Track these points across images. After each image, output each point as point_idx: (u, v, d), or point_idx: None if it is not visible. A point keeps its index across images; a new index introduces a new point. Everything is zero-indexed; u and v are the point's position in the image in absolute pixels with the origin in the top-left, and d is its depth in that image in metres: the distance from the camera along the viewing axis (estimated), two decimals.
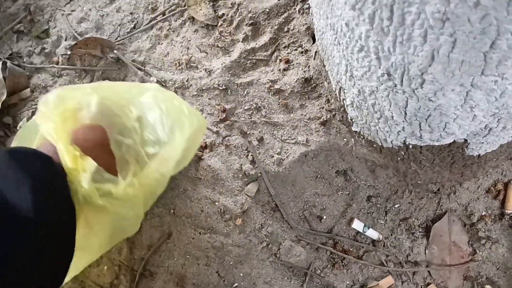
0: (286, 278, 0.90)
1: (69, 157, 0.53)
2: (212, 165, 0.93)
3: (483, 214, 0.92)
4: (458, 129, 0.63)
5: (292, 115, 0.94)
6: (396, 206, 0.94)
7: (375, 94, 0.65)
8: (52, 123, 0.54)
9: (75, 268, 0.67)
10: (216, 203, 0.91)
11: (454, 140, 0.69)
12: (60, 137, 0.53)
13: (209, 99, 0.98)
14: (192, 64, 1.02)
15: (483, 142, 0.69)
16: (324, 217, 0.93)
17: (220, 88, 0.97)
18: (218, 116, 0.96)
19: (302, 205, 0.93)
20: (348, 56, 0.65)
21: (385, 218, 0.94)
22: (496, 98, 0.53)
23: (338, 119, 0.90)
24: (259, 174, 0.92)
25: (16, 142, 0.66)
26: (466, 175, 0.87)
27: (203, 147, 0.94)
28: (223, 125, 0.95)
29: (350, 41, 0.60)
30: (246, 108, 0.96)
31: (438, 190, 0.93)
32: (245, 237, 0.90)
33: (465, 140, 0.69)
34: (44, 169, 0.52)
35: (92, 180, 0.54)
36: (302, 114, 0.93)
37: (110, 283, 0.90)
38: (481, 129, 0.63)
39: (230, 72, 0.98)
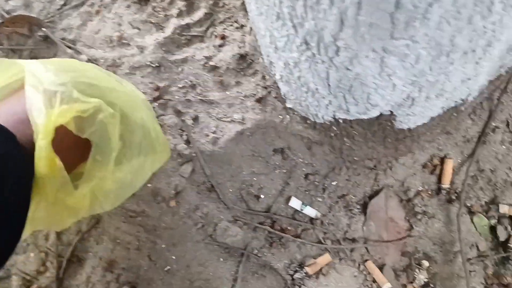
0: (221, 259, 0.88)
1: (45, 163, 0.49)
2: None
3: (419, 189, 0.92)
4: (381, 99, 0.62)
5: (227, 92, 0.91)
6: (334, 183, 0.93)
7: (298, 66, 0.63)
8: (46, 116, 0.49)
9: None
10: (149, 185, 0.88)
11: (381, 113, 0.68)
12: (44, 133, 0.48)
13: (142, 77, 0.93)
14: (124, 41, 0.97)
15: (409, 114, 0.68)
16: (262, 196, 0.91)
17: (153, 65, 0.92)
18: (151, 95, 0.91)
19: (239, 184, 0.91)
20: (269, 27, 0.62)
21: (323, 195, 0.93)
22: (411, 64, 0.51)
23: (273, 95, 0.88)
24: (194, 154, 0.89)
25: None
26: (401, 150, 0.87)
27: None
28: (156, 104, 0.91)
29: (268, 9, 0.58)
30: (180, 86, 0.92)
31: (375, 166, 0.92)
32: (179, 219, 0.87)
33: (391, 112, 0.67)
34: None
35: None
36: (238, 92, 0.90)
37: (36, 270, 0.85)
38: (404, 99, 0.62)
39: (164, 48, 0.93)
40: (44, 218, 0.56)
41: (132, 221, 0.85)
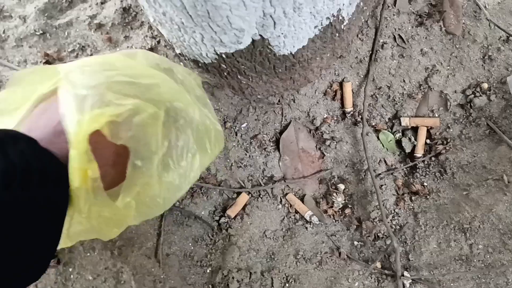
0: None
1: (77, 174, 0.43)
2: None
3: (325, 117, 0.94)
4: (241, 21, 0.61)
5: (118, 49, 0.89)
6: (244, 125, 0.94)
7: (158, 1, 0.62)
8: (78, 124, 0.43)
9: None
10: None
11: (253, 39, 0.68)
12: (78, 142, 0.42)
13: (30, 47, 0.90)
14: (5, 14, 0.92)
15: (279, 36, 0.68)
16: None
17: (38, 33, 0.89)
18: (42, 64, 0.89)
19: None
20: None
21: (236, 139, 0.94)
22: None
23: (163, 44, 0.86)
24: None
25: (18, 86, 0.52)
26: (298, 80, 0.87)
27: None
28: None
29: None
30: (70, 50, 0.89)
31: (279, 101, 0.93)
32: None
33: (262, 37, 0.67)
34: (32, 154, 0.41)
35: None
36: (128, 47, 0.88)
37: None
38: (262, 18, 0.61)
39: (46, 14, 0.90)
40: (82, 231, 0.50)
41: None
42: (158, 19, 0.70)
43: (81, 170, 0.43)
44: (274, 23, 0.63)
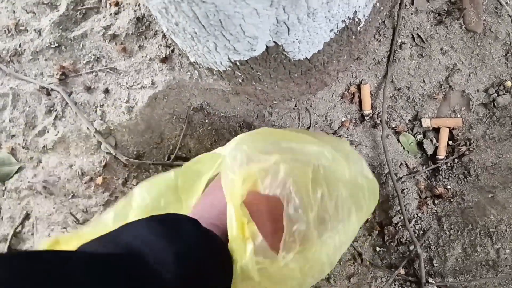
0: None
1: (237, 224, 0.45)
2: (61, 130, 0.87)
3: (343, 120, 0.92)
4: (255, 29, 0.60)
5: (133, 59, 0.88)
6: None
7: (169, 11, 0.61)
8: (231, 182, 0.47)
9: None
10: (73, 167, 0.86)
11: (267, 46, 0.67)
12: (234, 198, 0.45)
13: (46, 60, 0.90)
14: (21, 28, 0.93)
15: (294, 41, 0.66)
16: (191, 156, 0.90)
17: (53, 46, 0.89)
18: (58, 76, 0.89)
19: (165, 150, 0.90)
20: None
21: None
22: None
23: (177, 53, 0.86)
24: (112, 128, 0.87)
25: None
26: (314, 84, 0.86)
27: (48, 112, 0.87)
28: (65, 84, 0.89)
29: None
30: (85, 61, 0.89)
31: (295, 106, 0.91)
32: (110, 195, 0.86)
33: (276, 43, 0.66)
34: (196, 235, 0.45)
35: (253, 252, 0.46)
36: (142, 56, 0.88)
37: None
38: (276, 25, 0.60)
39: (61, 27, 0.90)
40: None
41: (64, 206, 0.84)
42: (171, 29, 0.69)
43: (239, 222, 0.45)
44: (288, 29, 0.62)
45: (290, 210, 0.48)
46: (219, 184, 0.49)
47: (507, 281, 0.75)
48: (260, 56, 0.70)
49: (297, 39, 0.65)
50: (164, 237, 0.41)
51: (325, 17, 0.63)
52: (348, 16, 0.69)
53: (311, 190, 0.49)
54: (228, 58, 0.71)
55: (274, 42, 0.65)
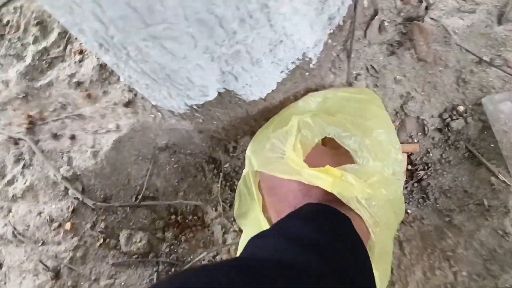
0: (133, 267, 0.89)
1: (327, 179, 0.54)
2: (29, 179, 0.88)
3: None
4: (202, 80, 0.63)
5: (98, 104, 0.90)
6: (227, 165, 0.95)
7: (119, 66, 0.64)
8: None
9: None
10: (42, 214, 0.87)
11: (219, 92, 0.69)
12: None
13: (14, 110, 0.92)
14: None
15: (245, 86, 0.69)
16: (159, 196, 0.92)
17: (20, 96, 0.91)
18: (26, 126, 0.91)
19: (132, 191, 0.91)
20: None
21: (220, 180, 0.95)
22: (183, 47, 0.52)
23: (140, 97, 0.88)
24: (79, 173, 0.89)
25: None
26: None
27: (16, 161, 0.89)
28: (32, 132, 0.91)
29: None
30: (52, 109, 0.91)
31: None
32: (79, 240, 0.87)
33: (226, 89, 0.69)
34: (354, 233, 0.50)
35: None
36: (107, 101, 0.90)
37: None
38: (220, 75, 0.63)
39: (27, 77, 0.92)
40: None
41: (34, 253, 0.85)
42: (127, 80, 0.71)
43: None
44: (236, 77, 0.64)
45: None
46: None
47: None
48: (215, 100, 0.72)
49: (247, 84, 0.67)
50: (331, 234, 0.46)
51: (272, 62, 0.65)
52: (297, 58, 0.71)
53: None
54: (185, 103, 0.73)
55: (225, 88, 0.67)
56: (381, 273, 0.60)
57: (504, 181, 0.77)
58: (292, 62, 0.71)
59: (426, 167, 0.87)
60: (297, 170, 0.57)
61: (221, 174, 0.92)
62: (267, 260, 0.41)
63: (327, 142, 0.73)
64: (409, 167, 0.89)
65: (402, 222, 0.85)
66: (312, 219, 0.50)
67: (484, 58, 0.85)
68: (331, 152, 0.70)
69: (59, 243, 0.85)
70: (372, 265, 0.50)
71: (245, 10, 0.49)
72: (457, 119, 0.86)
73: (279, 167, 0.60)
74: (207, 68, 0.58)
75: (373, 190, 0.57)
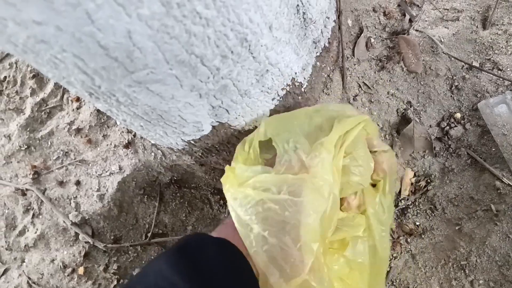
0: None
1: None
2: (40, 227, 0.89)
3: None
4: (195, 116, 0.63)
5: (99, 148, 0.91)
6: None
7: (114, 112, 0.64)
8: None
9: None
10: (55, 261, 0.88)
11: (213, 126, 0.70)
12: None
13: (18, 162, 0.93)
14: None
15: (237, 117, 0.69)
16: (168, 232, 0.92)
17: (23, 148, 0.93)
18: (31, 176, 0.92)
19: (141, 230, 0.91)
20: None
21: (227, 211, 0.94)
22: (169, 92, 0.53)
23: (139, 137, 0.89)
24: (88, 217, 0.89)
25: None
26: None
27: (25, 212, 0.90)
28: (38, 182, 0.92)
29: None
30: (55, 158, 0.92)
31: None
32: (93, 283, 0.87)
33: (220, 122, 0.69)
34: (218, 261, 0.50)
35: None
36: (107, 144, 0.91)
37: None
38: (211, 110, 0.63)
39: (28, 129, 0.94)
40: None
41: None
42: (123, 123, 0.72)
43: None
44: (227, 110, 0.64)
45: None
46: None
47: None
48: (210, 133, 0.72)
49: (239, 115, 0.68)
50: (185, 274, 0.44)
51: (261, 91, 0.66)
52: (287, 84, 0.72)
53: None
54: (181, 139, 0.74)
55: (218, 121, 0.67)
56: None
57: (509, 184, 0.75)
58: (283, 89, 0.72)
59: (428, 179, 0.85)
60: None
61: (227, 204, 0.91)
62: None
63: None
64: (414, 180, 0.88)
65: (411, 235, 0.84)
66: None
67: (473, 63, 0.84)
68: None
69: None
70: None
71: (225, 46, 0.50)
72: (456, 126, 0.85)
73: None
74: (196, 105, 0.59)
75: None
